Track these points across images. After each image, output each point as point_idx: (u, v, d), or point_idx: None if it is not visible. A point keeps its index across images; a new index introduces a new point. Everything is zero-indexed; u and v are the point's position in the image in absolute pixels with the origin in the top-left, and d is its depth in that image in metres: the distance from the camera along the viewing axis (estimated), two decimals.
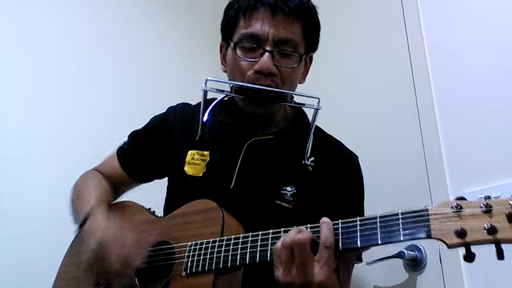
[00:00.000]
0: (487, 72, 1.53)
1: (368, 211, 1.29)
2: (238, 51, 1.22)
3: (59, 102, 1.89)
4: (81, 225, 1.20)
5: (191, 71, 2.20)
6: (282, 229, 0.98)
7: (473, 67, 1.57)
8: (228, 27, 1.27)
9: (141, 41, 2.19)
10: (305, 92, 1.24)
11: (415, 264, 1.59)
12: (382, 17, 1.88)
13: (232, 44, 1.23)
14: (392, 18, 1.82)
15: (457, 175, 1.56)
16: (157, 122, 1.41)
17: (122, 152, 1.42)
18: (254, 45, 1.20)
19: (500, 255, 0.76)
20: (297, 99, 1.27)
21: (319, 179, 1.23)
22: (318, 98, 1.20)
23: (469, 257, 0.79)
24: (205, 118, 1.28)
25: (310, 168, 1.22)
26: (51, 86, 1.90)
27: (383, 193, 1.59)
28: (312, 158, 1.23)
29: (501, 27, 1.53)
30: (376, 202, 1.34)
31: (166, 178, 1.41)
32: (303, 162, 1.22)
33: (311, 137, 1.23)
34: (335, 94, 1.85)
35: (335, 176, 1.25)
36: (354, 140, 1.39)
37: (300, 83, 1.31)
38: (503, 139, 1.47)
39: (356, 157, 1.32)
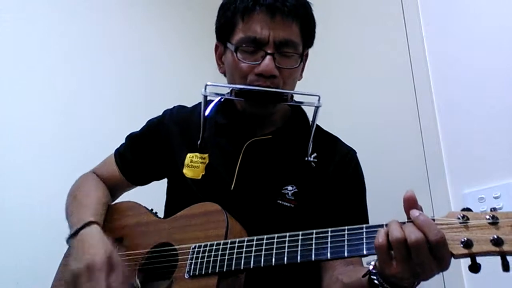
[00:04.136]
0: (487, 72, 1.53)
1: (368, 212, 1.30)
2: (239, 55, 1.20)
3: (60, 102, 1.89)
4: (73, 235, 1.16)
5: (192, 71, 2.20)
6: (288, 233, 0.97)
7: (473, 67, 1.57)
8: (224, 28, 1.25)
9: (141, 42, 2.19)
10: (305, 91, 1.24)
11: None
12: (382, 17, 1.88)
13: (232, 48, 1.21)
14: (392, 18, 1.82)
15: (457, 175, 1.56)
16: (153, 125, 1.40)
17: (120, 155, 1.41)
18: (255, 49, 1.19)
19: (506, 267, 0.76)
20: (297, 97, 1.26)
21: (319, 176, 1.23)
22: (318, 96, 1.18)
23: (474, 267, 0.79)
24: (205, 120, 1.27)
25: (313, 164, 1.22)
26: (51, 86, 1.89)
27: (383, 193, 1.58)
28: (315, 154, 1.22)
29: (501, 27, 1.53)
30: (376, 202, 1.34)
31: (165, 180, 1.41)
32: (306, 159, 1.21)
33: (312, 135, 1.22)
34: (335, 94, 1.85)
35: (334, 172, 1.24)
36: (354, 140, 1.39)
37: (298, 80, 1.31)
38: (503, 139, 1.47)
39: (355, 152, 1.31)
